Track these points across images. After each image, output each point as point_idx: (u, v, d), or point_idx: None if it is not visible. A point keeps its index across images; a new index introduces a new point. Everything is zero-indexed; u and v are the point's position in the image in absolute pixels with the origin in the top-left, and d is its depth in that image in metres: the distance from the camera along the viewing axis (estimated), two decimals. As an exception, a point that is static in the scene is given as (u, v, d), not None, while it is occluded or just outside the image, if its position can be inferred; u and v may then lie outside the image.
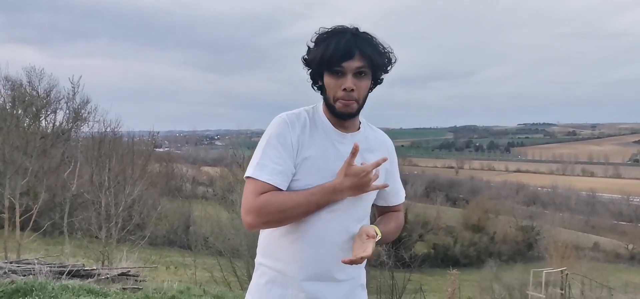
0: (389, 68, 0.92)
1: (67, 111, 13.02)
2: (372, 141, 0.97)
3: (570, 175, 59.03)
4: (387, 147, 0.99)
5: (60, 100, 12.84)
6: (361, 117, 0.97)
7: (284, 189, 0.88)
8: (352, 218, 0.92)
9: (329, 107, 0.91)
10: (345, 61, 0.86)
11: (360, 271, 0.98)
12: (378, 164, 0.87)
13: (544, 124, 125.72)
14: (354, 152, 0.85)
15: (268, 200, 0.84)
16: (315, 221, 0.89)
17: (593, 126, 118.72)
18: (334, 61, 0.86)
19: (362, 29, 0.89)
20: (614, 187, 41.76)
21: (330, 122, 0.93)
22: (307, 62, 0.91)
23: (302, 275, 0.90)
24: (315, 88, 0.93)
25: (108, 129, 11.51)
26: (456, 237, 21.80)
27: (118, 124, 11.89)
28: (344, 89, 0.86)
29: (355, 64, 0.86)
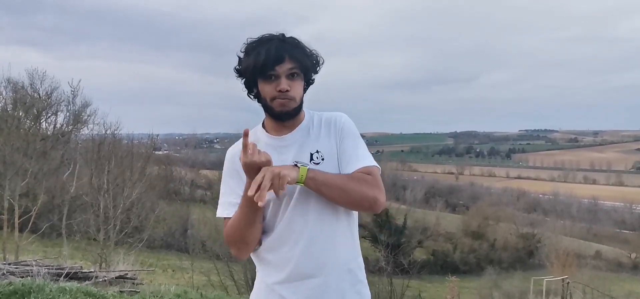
0: (317, 69, 0.98)
1: (68, 114, 13.08)
2: (316, 126, 0.98)
3: (572, 182, 58.72)
4: (334, 122, 0.98)
5: (61, 102, 12.91)
6: (306, 108, 1.00)
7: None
8: (316, 211, 0.92)
9: (268, 110, 0.95)
10: (277, 65, 0.90)
11: (345, 264, 0.94)
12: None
13: (545, 130, 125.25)
14: (244, 137, 0.84)
15: (227, 231, 0.94)
16: (277, 225, 0.93)
17: (595, 133, 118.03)
18: (267, 67, 0.90)
19: (288, 35, 0.95)
20: (617, 195, 41.37)
21: (271, 130, 0.97)
22: (240, 72, 0.95)
23: (277, 280, 0.94)
24: (251, 96, 0.97)
25: (108, 132, 11.53)
26: (456, 244, 21.67)
27: (118, 127, 11.93)
28: (279, 91, 0.91)
29: (286, 66, 0.91)
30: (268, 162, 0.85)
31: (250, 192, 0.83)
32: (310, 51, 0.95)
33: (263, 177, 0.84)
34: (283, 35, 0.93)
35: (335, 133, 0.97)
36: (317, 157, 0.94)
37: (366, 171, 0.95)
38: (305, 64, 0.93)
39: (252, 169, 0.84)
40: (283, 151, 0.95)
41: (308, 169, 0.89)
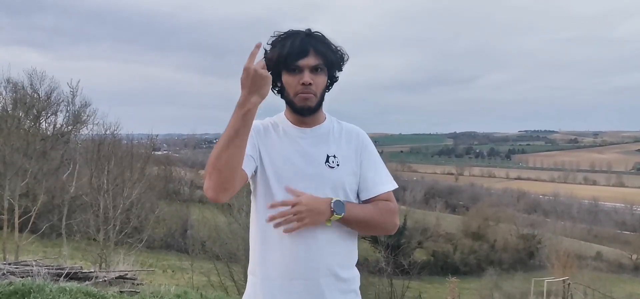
0: (342, 65, 0.98)
1: (67, 114, 13.09)
2: (337, 132, 0.99)
3: (572, 183, 58.69)
4: (356, 136, 1.00)
5: (61, 102, 12.91)
6: (328, 114, 1.02)
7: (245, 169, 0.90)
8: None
9: (290, 104, 0.96)
10: (301, 59, 0.91)
11: (339, 271, 0.93)
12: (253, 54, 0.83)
13: (545, 131, 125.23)
14: (256, 47, 0.84)
15: (209, 158, 0.87)
16: (276, 229, 0.91)
17: (595, 134, 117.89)
18: (291, 60, 0.91)
19: (314, 30, 0.95)
20: (617, 196, 41.36)
21: (292, 122, 0.98)
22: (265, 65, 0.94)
23: (268, 277, 0.93)
24: (275, 91, 0.97)
25: (107, 132, 11.57)
26: (456, 244, 21.64)
27: (117, 127, 11.94)
28: (302, 84, 0.92)
29: (310, 61, 0.91)
30: (268, 79, 0.83)
31: (269, 218, 0.87)
32: (336, 47, 0.95)
33: (290, 209, 0.86)
34: (309, 29, 0.94)
35: (356, 147, 0.98)
36: (333, 162, 0.94)
37: (387, 197, 0.99)
38: (330, 59, 0.94)
39: (250, 77, 0.81)
40: (301, 142, 0.95)
41: (343, 215, 0.90)
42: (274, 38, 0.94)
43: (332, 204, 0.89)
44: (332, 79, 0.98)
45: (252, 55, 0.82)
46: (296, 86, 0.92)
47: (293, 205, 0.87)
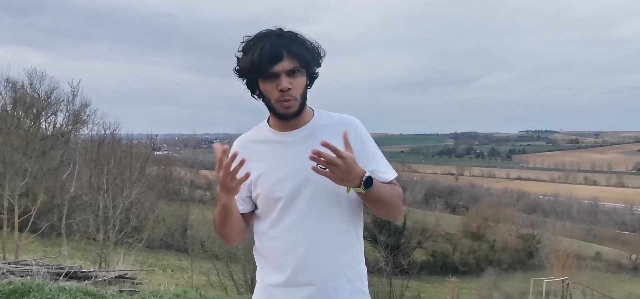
0: (320, 62, 0.92)
1: (67, 114, 13.11)
2: (327, 129, 0.93)
3: (572, 183, 58.62)
4: (346, 124, 0.94)
5: (61, 102, 12.93)
6: (317, 107, 0.98)
7: (243, 209, 0.96)
8: (325, 216, 0.90)
9: (272, 110, 0.92)
10: (275, 64, 0.86)
11: (346, 273, 0.91)
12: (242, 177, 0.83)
13: (546, 131, 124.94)
14: (223, 153, 0.81)
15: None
16: (281, 224, 0.91)
17: (596, 134, 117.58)
18: (264, 66, 0.86)
19: (286, 29, 0.90)
20: (617, 196, 41.41)
21: (276, 127, 0.94)
22: (239, 73, 0.91)
23: (274, 282, 0.93)
24: (255, 97, 0.93)
25: (107, 132, 11.62)
26: (455, 244, 21.61)
27: (117, 127, 11.99)
28: (281, 90, 0.87)
29: (286, 65, 0.86)
30: (228, 184, 0.82)
31: (311, 153, 0.80)
32: (311, 44, 0.90)
33: (333, 157, 0.80)
34: (280, 29, 0.88)
35: (352, 140, 0.91)
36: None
37: (395, 184, 0.96)
38: (306, 58, 0.88)
39: (230, 184, 0.82)
40: (288, 147, 0.92)
41: (371, 189, 0.86)
42: (244, 44, 0.89)
43: (364, 178, 0.84)
44: (312, 78, 0.92)
45: (219, 161, 0.80)
46: (276, 94, 0.87)
47: (339, 156, 0.80)
